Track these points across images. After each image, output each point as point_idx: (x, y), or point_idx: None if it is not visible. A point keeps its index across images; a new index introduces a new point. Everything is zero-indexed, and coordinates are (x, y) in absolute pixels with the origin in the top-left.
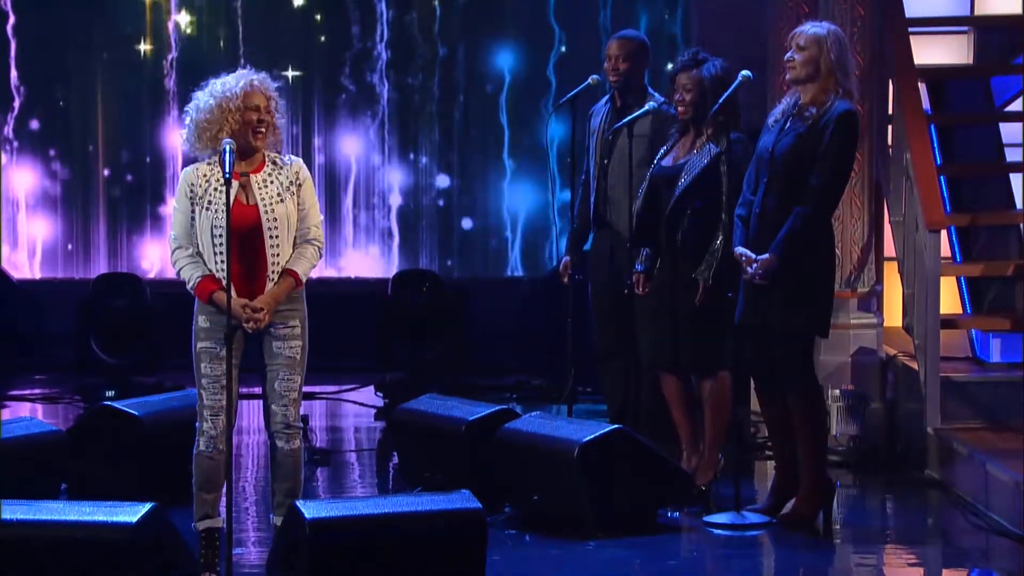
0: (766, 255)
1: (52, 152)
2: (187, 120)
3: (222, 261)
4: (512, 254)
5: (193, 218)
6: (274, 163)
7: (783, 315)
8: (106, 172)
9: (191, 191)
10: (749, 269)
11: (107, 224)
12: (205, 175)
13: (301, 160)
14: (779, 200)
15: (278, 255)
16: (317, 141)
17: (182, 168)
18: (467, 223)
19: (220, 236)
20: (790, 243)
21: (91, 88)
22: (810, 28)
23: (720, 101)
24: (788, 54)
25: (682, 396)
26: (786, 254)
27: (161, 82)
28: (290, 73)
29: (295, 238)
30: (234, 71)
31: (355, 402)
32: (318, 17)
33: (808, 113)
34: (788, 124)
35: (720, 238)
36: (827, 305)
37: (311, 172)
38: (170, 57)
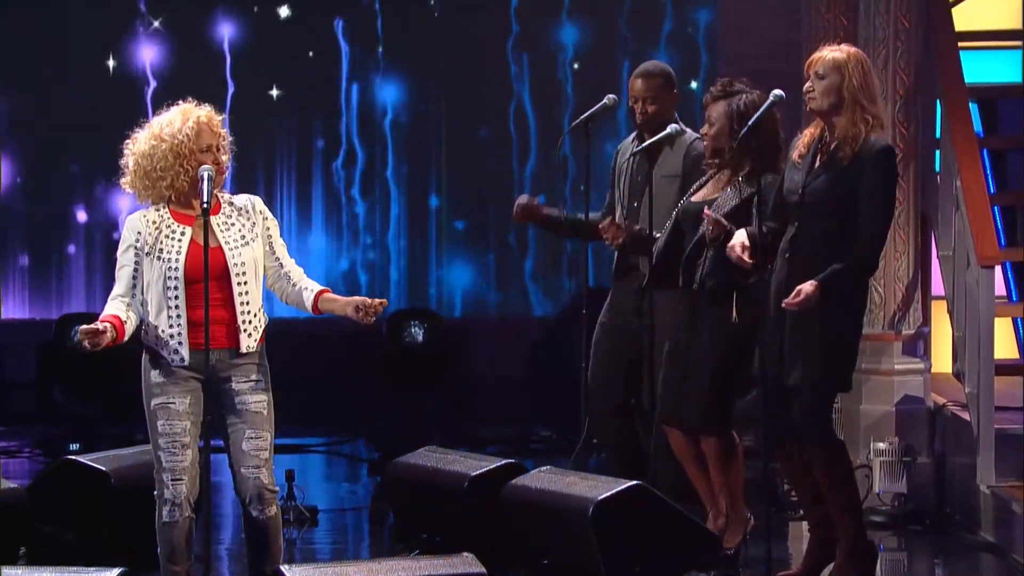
0: (810, 282)
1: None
2: (128, 165)
3: (178, 315)
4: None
5: (136, 271)
6: (231, 204)
7: (816, 367)
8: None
9: (137, 239)
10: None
11: (72, 260)
12: (154, 222)
13: (258, 198)
14: (812, 246)
15: (248, 303)
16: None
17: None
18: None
19: (175, 287)
20: (837, 281)
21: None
22: (828, 53)
23: (748, 124)
24: (807, 84)
25: (691, 451)
26: (829, 291)
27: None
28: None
29: (289, 277)
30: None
31: (346, 455)
32: None
33: (842, 153)
34: (817, 163)
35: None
36: (853, 360)
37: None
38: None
